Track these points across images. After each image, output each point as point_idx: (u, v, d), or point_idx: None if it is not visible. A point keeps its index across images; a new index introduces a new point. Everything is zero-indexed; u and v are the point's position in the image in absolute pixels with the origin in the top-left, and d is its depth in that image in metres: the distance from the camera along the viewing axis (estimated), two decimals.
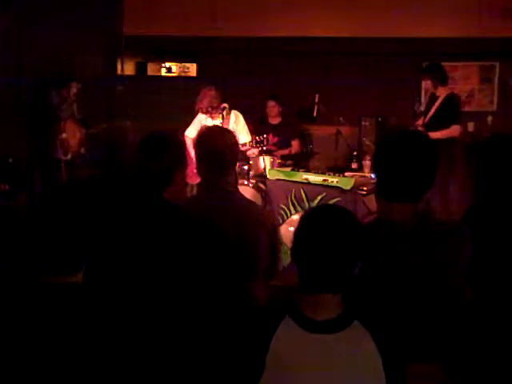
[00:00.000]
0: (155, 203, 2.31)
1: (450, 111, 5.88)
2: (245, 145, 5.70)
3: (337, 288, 1.66)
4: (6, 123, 5.51)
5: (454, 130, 5.78)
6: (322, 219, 1.69)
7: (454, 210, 5.25)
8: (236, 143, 2.83)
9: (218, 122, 5.75)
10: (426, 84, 6.04)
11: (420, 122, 6.06)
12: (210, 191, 2.67)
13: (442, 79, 5.93)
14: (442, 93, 5.94)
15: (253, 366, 1.63)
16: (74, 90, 6.35)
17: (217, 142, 2.68)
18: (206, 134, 2.80)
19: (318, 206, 1.83)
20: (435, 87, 5.95)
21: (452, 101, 5.93)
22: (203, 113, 5.76)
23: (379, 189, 2.05)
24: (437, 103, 5.95)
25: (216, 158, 2.65)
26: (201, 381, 2.12)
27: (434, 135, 5.52)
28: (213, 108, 5.73)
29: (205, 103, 5.70)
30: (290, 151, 6.87)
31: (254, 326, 1.70)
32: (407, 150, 1.97)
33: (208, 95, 5.71)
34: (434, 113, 5.94)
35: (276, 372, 1.63)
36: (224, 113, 5.84)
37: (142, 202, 2.34)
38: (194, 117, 6.05)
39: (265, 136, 5.86)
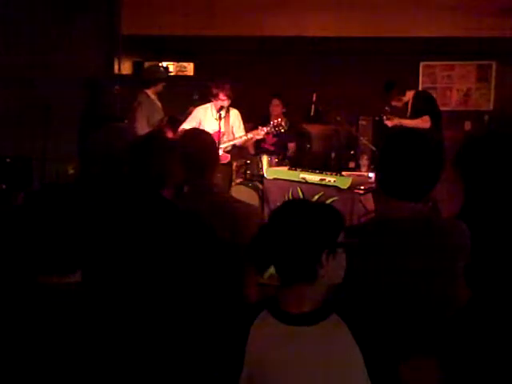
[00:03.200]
0: (153, 201, 2.32)
1: (421, 105, 6.07)
2: (257, 133, 5.86)
3: (302, 278, 1.65)
4: (18, 123, 5.55)
5: (424, 121, 5.90)
6: (287, 212, 1.71)
7: (442, 209, 5.27)
8: (213, 144, 2.87)
9: (216, 115, 5.77)
10: (400, 101, 6.25)
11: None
12: (194, 192, 2.70)
13: (400, 91, 6.17)
14: (409, 96, 6.18)
15: (233, 359, 1.65)
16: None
17: (192, 144, 2.72)
18: (181, 136, 2.83)
19: (286, 201, 1.84)
20: (404, 95, 6.17)
21: (419, 96, 6.19)
22: (216, 99, 5.75)
23: (382, 185, 2.04)
24: (409, 105, 6.18)
25: (193, 160, 2.67)
26: (182, 375, 2.14)
27: (404, 122, 5.88)
28: (229, 98, 5.76)
29: (223, 94, 5.72)
30: (285, 154, 6.90)
31: (232, 320, 1.72)
32: (414, 147, 1.98)
33: (226, 88, 5.72)
34: (410, 112, 6.15)
35: (255, 365, 1.64)
36: (221, 111, 5.87)
37: (140, 200, 2.35)
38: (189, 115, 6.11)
39: (279, 120, 5.92)
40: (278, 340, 1.64)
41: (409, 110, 6.17)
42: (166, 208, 2.32)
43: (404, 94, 6.17)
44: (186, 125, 5.85)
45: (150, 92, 6.39)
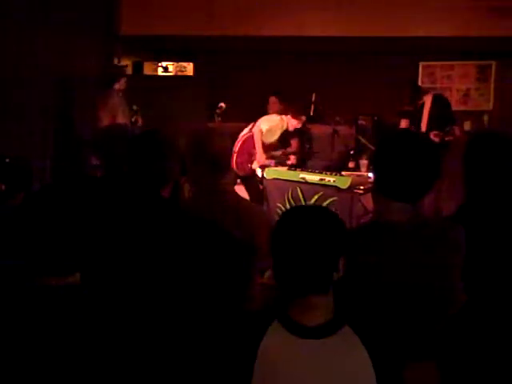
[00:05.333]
0: (154, 201, 2.30)
1: (446, 110, 5.95)
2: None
3: (318, 289, 1.63)
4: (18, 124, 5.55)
5: (457, 130, 5.89)
6: (295, 220, 1.66)
7: (443, 208, 5.27)
8: (229, 146, 2.86)
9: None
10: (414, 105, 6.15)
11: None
12: (206, 193, 2.69)
13: (415, 94, 6.09)
14: (425, 99, 6.04)
15: (241, 372, 1.61)
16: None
17: (211, 144, 2.70)
18: (198, 137, 2.81)
19: (292, 208, 1.78)
20: (420, 98, 6.06)
21: (440, 101, 6.07)
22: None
23: (378, 186, 2.03)
24: (426, 108, 5.99)
25: (210, 161, 2.66)
26: None
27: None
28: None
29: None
30: (288, 151, 6.90)
31: (242, 331, 1.68)
32: (411, 149, 1.95)
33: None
34: (430, 116, 5.97)
35: (265, 378, 1.61)
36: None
37: (140, 200, 2.33)
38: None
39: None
40: (291, 353, 1.61)
41: (426, 113, 6.00)
42: (167, 210, 2.31)
43: (420, 98, 6.07)
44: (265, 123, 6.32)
45: (116, 88, 6.47)
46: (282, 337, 1.62)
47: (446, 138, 5.78)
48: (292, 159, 6.51)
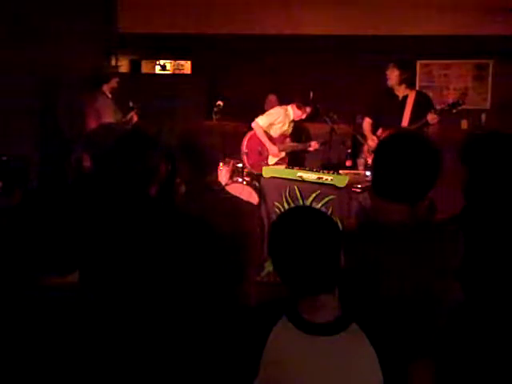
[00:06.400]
0: (141, 200, 2.30)
1: (427, 107, 5.77)
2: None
3: (326, 288, 1.64)
4: (13, 122, 5.54)
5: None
6: (294, 225, 1.66)
7: (440, 209, 5.24)
8: (217, 143, 2.87)
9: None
10: (392, 76, 5.71)
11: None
12: (195, 190, 2.69)
13: (404, 75, 5.73)
14: (408, 93, 5.76)
15: (247, 367, 1.62)
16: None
17: (198, 143, 2.71)
18: (185, 136, 2.82)
19: (283, 214, 1.76)
20: (399, 84, 5.70)
21: (423, 98, 5.78)
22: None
23: (376, 187, 2.02)
24: (409, 103, 5.73)
25: (198, 159, 2.67)
26: (195, 382, 2.12)
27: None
28: None
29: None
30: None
31: (249, 327, 1.69)
32: (411, 150, 1.94)
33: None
34: (412, 112, 5.72)
35: (272, 373, 1.62)
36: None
37: (126, 199, 2.32)
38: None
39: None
40: (299, 349, 1.62)
41: (409, 109, 5.73)
42: (154, 208, 2.31)
43: (406, 88, 5.75)
44: (265, 117, 6.28)
45: (104, 89, 6.41)
46: (290, 333, 1.64)
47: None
48: (313, 145, 6.51)
